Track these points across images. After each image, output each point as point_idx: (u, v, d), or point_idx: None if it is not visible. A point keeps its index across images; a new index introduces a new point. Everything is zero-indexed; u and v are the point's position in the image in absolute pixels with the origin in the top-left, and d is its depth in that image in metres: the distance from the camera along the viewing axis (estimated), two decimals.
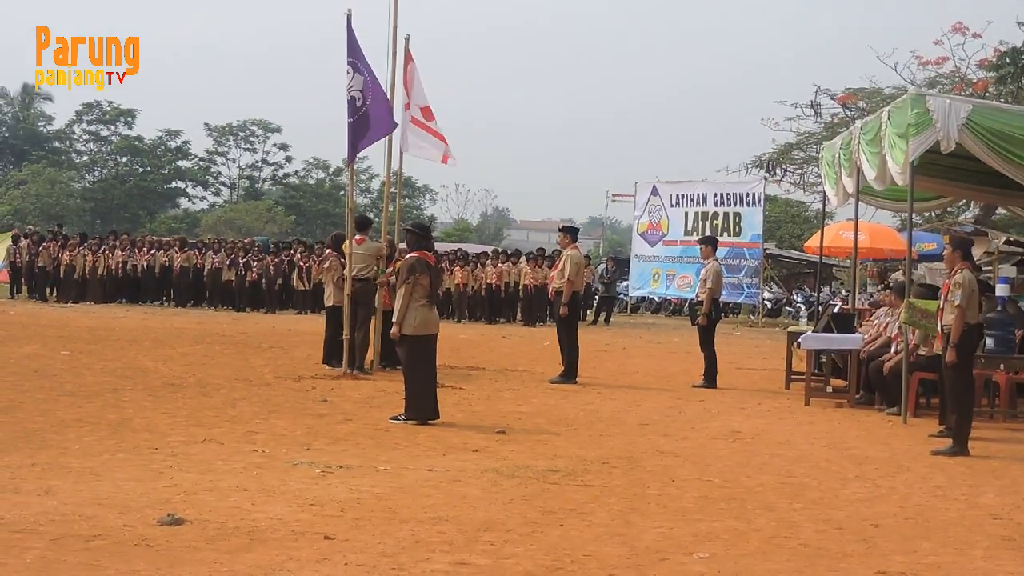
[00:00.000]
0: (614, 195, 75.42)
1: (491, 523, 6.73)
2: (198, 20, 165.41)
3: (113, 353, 16.08)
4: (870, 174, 13.37)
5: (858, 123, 14.52)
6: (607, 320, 30.31)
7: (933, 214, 30.12)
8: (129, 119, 73.18)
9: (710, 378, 15.11)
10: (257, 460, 8.53)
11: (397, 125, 15.35)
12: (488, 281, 28.93)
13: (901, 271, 21.79)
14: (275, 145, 77.77)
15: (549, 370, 15.65)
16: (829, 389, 14.57)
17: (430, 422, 10.65)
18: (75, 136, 74.48)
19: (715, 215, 32.68)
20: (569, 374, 14.87)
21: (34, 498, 6.91)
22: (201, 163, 76.93)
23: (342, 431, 10.11)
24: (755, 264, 32.04)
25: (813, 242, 28.40)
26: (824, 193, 17.30)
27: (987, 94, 28.68)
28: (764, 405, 13.52)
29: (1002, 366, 12.45)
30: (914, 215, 14.55)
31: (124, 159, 73.63)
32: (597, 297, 31.45)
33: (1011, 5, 51.06)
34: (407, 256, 11.29)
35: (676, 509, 7.40)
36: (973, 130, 11.65)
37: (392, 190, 17.11)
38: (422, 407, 10.74)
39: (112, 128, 73.41)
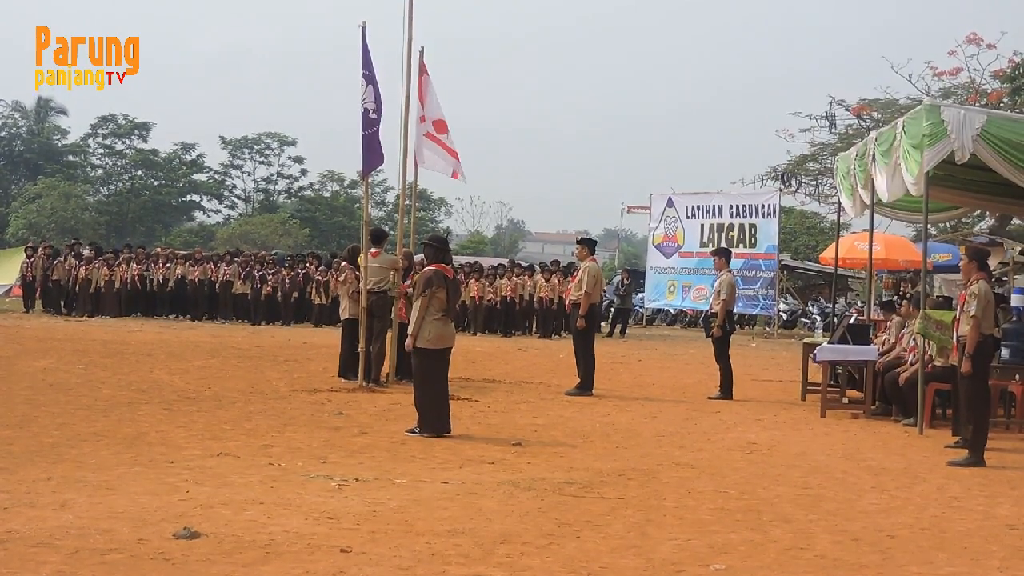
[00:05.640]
0: (629, 207, 75.74)
1: (507, 535, 6.73)
2: (212, 30, 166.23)
3: (128, 367, 16.11)
4: (884, 185, 13.35)
5: (873, 134, 14.50)
6: (623, 332, 30.28)
7: (948, 225, 30.02)
8: (144, 132, 73.43)
9: (726, 390, 15.10)
10: (273, 473, 8.54)
11: (383, 160, 15.49)
12: (503, 294, 28.98)
13: (907, 280, 21.76)
14: (290, 158, 77.79)
15: (565, 382, 15.65)
16: (845, 400, 14.55)
17: (443, 435, 10.65)
18: (90, 150, 74.48)
19: (731, 227, 32.63)
20: (585, 386, 14.88)
21: (50, 512, 6.93)
22: (216, 176, 77.07)
23: (358, 444, 10.12)
24: (771, 275, 31.94)
25: (828, 253, 28.35)
26: (839, 204, 17.28)
27: (1002, 104, 28.57)
28: (780, 416, 13.50)
29: (1018, 376, 12.41)
30: (929, 226, 14.52)
31: (139, 172, 73.76)
32: (612, 309, 31.42)
33: None
34: (424, 269, 11.28)
35: (692, 521, 7.39)
36: (988, 141, 11.63)
37: (407, 203, 17.12)
38: (434, 421, 10.73)
39: (127, 141, 73.59)
